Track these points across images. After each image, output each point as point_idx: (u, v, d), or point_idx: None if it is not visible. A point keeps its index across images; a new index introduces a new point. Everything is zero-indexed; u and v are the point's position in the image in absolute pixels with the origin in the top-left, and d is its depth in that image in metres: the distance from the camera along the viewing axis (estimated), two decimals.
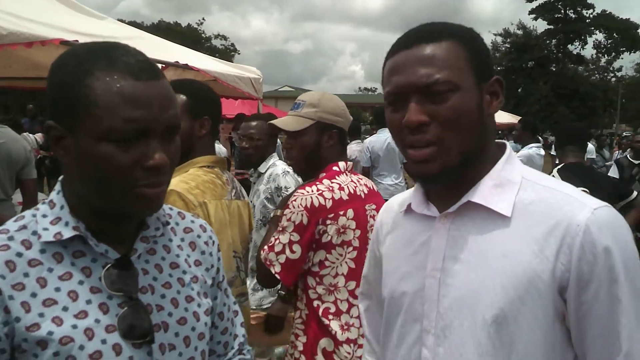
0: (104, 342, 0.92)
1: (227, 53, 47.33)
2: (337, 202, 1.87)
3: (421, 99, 0.99)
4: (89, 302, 0.93)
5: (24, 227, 0.95)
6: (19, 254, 0.91)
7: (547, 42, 45.01)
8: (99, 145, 0.88)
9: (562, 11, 44.18)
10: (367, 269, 1.35)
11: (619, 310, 0.92)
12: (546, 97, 39.03)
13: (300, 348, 1.88)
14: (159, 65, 4.39)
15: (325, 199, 1.85)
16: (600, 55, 47.69)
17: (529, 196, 1.00)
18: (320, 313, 1.87)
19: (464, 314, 0.99)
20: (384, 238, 1.24)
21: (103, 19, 5.20)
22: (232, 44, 52.77)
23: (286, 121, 2.01)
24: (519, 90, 42.51)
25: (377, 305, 1.29)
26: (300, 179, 2.70)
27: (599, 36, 46.17)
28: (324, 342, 1.86)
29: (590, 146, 8.79)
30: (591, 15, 44.50)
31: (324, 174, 1.96)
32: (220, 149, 7.73)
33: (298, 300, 1.95)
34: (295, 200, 1.84)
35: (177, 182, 1.69)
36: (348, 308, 1.88)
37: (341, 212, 1.87)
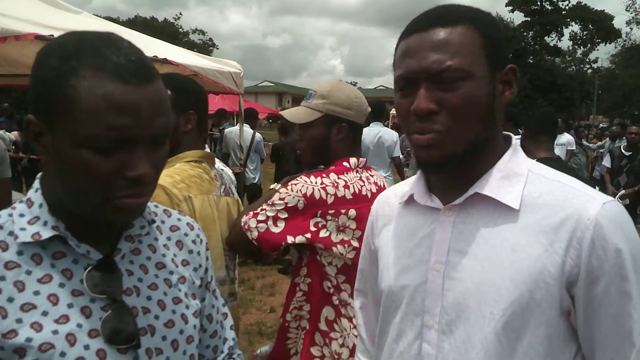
0: (86, 347, 0.86)
1: (205, 48, 47.03)
2: (339, 199, 1.81)
3: (431, 85, 0.95)
4: (70, 305, 0.87)
5: (0, 227, 0.89)
6: None
7: (524, 34, 45.45)
8: (77, 151, 0.81)
9: (539, 3, 44.62)
10: (362, 263, 1.32)
11: (631, 306, 0.90)
12: (524, 90, 39.42)
13: (307, 317, 1.86)
14: None
15: (327, 194, 1.79)
16: (577, 46, 48.35)
17: (537, 189, 0.98)
18: (322, 284, 1.83)
19: (471, 308, 0.96)
20: (379, 230, 1.21)
21: (79, 14, 5.09)
22: (210, 39, 52.55)
23: (295, 112, 1.94)
24: None
25: (373, 302, 1.26)
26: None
27: (575, 27, 46.83)
28: (326, 311, 1.84)
29: (570, 137, 8.85)
30: (567, 7, 45.05)
31: (333, 167, 1.88)
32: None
33: (297, 275, 1.89)
34: (296, 184, 1.78)
35: (162, 176, 1.62)
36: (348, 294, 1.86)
37: (342, 211, 1.80)
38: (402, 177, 6.44)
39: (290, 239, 1.76)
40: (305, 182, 1.79)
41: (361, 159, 1.93)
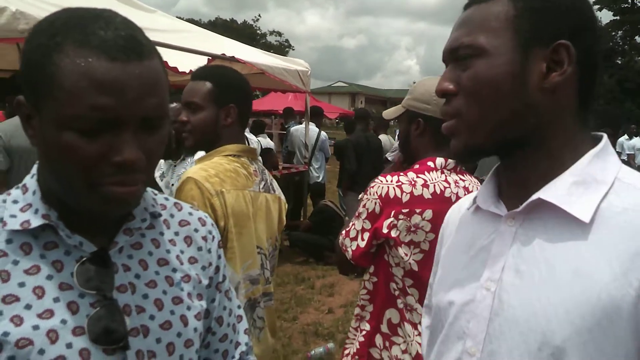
0: (69, 346, 0.80)
1: (281, 49, 47.87)
2: (416, 198, 1.69)
3: (454, 65, 0.88)
4: (56, 300, 0.81)
5: None
6: None
7: (613, 33, 43.04)
8: (60, 132, 0.76)
9: (630, 1, 42.12)
10: (432, 276, 1.15)
11: None
12: (612, 92, 37.36)
13: (368, 317, 1.78)
14: (206, 58, 4.36)
15: (402, 192, 1.69)
16: None
17: (621, 203, 0.78)
18: (389, 285, 1.75)
19: (516, 340, 0.80)
20: (446, 239, 1.07)
21: (153, 12, 5.26)
22: (287, 40, 53.41)
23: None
24: None
25: None
26: None
27: None
28: (389, 313, 1.75)
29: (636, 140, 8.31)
30: None
31: (418, 166, 1.78)
32: (267, 140, 7.73)
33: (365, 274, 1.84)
34: (372, 187, 1.74)
35: (197, 170, 1.62)
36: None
37: (417, 210, 1.69)
38: None
39: (374, 242, 1.74)
40: (381, 182, 1.73)
41: (450, 160, 1.77)
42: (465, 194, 1.71)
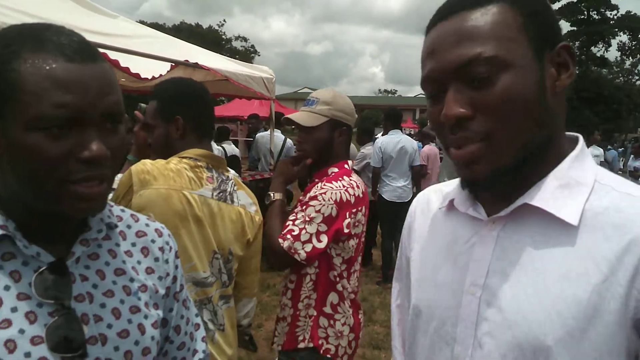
0: (27, 355, 0.81)
1: (247, 55, 47.64)
2: (357, 198, 2.03)
3: (461, 85, 0.79)
4: (14, 309, 0.82)
5: None
6: None
7: (570, 44, 44.35)
8: (26, 135, 0.78)
9: (586, 12, 43.45)
10: (398, 273, 1.15)
11: None
12: (570, 100, 38.35)
13: (313, 304, 2.05)
14: (169, 64, 4.34)
15: (349, 194, 2.01)
16: (625, 57, 46.88)
17: (602, 203, 0.79)
18: (329, 273, 2.05)
19: (508, 343, 0.80)
20: (416, 238, 1.05)
21: (115, 18, 5.19)
22: (252, 46, 53.16)
23: (301, 117, 2.11)
24: None
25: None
26: None
27: (623, 38, 45.40)
28: (331, 297, 2.06)
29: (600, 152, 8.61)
30: (615, 17, 43.74)
31: (337, 170, 2.09)
32: (232, 147, 7.70)
33: (308, 266, 2.05)
34: (325, 193, 1.96)
35: (139, 163, 1.67)
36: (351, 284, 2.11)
37: (360, 208, 2.05)
38: (419, 188, 6.31)
39: (331, 245, 2.00)
40: (332, 188, 1.98)
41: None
42: (364, 189, 2.12)
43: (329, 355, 2.06)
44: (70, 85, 0.79)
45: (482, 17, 0.78)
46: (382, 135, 6.68)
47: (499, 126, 0.78)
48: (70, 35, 0.83)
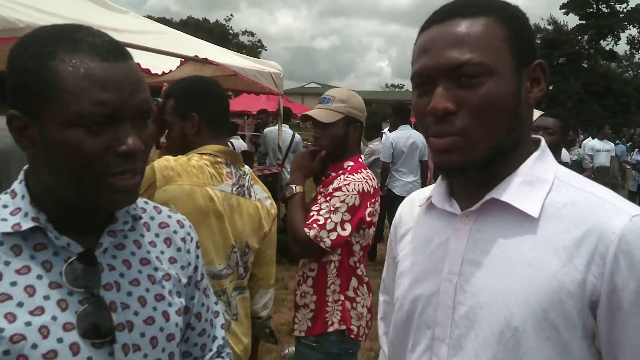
0: (60, 340, 0.85)
1: (254, 49, 47.68)
2: (375, 190, 2.21)
3: (449, 83, 0.88)
4: (46, 297, 0.87)
5: None
6: None
7: (579, 37, 44.00)
8: (67, 132, 0.82)
9: (595, 6, 43.15)
10: (385, 271, 1.26)
11: None
12: (578, 94, 38.21)
13: (338, 290, 2.18)
14: (178, 60, 4.37)
15: (369, 185, 2.18)
16: (634, 51, 46.51)
17: (561, 198, 0.89)
18: (349, 259, 2.20)
19: (480, 324, 0.90)
20: (401, 236, 1.15)
21: (125, 13, 5.22)
22: (259, 40, 53.30)
23: (319, 113, 2.24)
24: (550, 87, 41.64)
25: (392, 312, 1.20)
26: None
27: (633, 31, 45.03)
28: (353, 281, 2.21)
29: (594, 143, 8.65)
30: (625, 10, 43.39)
31: (353, 164, 2.24)
32: (240, 142, 7.74)
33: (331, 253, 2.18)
34: (348, 184, 2.12)
35: (161, 159, 1.71)
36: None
37: (376, 199, 2.22)
38: (425, 183, 6.34)
39: (353, 233, 2.14)
40: (354, 180, 2.14)
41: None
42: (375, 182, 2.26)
43: (352, 336, 2.20)
44: (107, 84, 0.83)
45: (473, 26, 0.88)
46: (389, 130, 6.68)
47: (477, 124, 0.88)
48: (101, 36, 0.87)
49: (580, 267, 0.83)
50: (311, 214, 2.12)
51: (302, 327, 2.23)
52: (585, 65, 42.78)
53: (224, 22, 50.86)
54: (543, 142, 0.98)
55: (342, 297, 2.17)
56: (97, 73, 0.83)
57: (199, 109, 1.82)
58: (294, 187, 2.26)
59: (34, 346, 0.83)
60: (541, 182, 0.92)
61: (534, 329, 0.85)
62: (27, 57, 0.84)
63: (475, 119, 0.87)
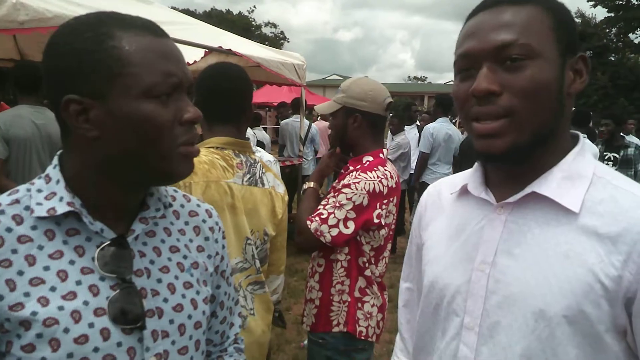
0: (91, 325, 0.86)
1: (276, 41, 47.67)
2: (390, 189, 2.07)
3: (493, 66, 0.89)
4: (78, 282, 0.87)
5: (17, 201, 0.89)
6: (9, 229, 0.85)
7: (607, 30, 43.07)
8: (140, 104, 0.85)
9: None
10: (408, 258, 1.26)
11: None
12: (604, 88, 37.49)
13: (347, 290, 2.11)
14: (203, 51, 4.39)
15: (383, 185, 2.04)
16: None
17: (600, 194, 0.91)
18: (358, 259, 2.11)
19: (515, 314, 0.91)
20: (427, 224, 1.16)
21: (150, 4, 5.27)
22: (282, 32, 53.18)
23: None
24: None
25: (418, 299, 1.20)
26: None
27: None
28: (360, 282, 2.12)
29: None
30: None
31: (372, 159, 2.12)
32: (262, 133, 7.76)
33: (337, 252, 2.11)
34: (358, 183, 2.01)
35: None
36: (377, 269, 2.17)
37: (391, 199, 2.09)
38: None
39: (359, 232, 2.05)
40: (366, 178, 2.02)
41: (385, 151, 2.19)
42: (397, 179, 2.16)
43: (362, 337, 2.13)
44: (169, 56, 0.87)
45: (520, 12, 0.90)
46: (421, 122, 6.63)
47: (522, 105, 0.88)
48: (141, 18, 0.90)
49: (617, 263, 0.84)
50: (319, 207, 2.08)
51: (308, 322, 2.22)
52: (613, 59, 41.91)
53: (247, 13, 50.90)
54: (582, 137, 0.99)
55: (349, 298, 2.12)
56: (157, 47, 0.87)
57: (205, 99, 1.78)
58: (307, 183, 2.28)
59: (66, 330, 0.84)
60: (581, 177, 0.93)
61: (568, 321, 0.86)
62: (83, 39, 0.84)
63: (520, 100, 0.87)
